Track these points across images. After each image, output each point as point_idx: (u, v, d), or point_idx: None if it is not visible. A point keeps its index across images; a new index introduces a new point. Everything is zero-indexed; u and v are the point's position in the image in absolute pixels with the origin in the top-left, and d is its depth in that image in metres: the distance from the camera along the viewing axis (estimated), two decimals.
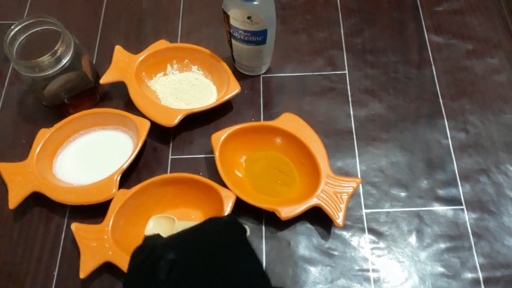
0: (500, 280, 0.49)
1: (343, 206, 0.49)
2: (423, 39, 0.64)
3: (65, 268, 0.51)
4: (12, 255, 0.52)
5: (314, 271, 0.50)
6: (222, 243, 0.32)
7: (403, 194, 0.54)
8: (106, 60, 0.62)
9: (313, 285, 0.49)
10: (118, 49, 0.59)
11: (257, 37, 0.53)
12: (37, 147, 0.53)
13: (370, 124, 0.58)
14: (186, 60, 0.61)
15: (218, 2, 0.51)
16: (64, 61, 0.51)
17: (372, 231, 0.52)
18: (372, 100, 0.60)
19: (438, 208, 0.53)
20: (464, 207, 0.53)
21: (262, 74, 0.62)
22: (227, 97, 0.56)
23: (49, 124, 0.55)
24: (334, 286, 0.49)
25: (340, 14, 0.67)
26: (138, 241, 0.50)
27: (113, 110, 0.56)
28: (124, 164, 0.52)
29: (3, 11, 0.69)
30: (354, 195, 0.53)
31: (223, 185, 0.50)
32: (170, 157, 0.57)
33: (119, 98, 0.61)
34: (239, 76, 0.61)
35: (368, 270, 0.50)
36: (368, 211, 0.53)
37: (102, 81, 0.57)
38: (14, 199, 0.51)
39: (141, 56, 0.58)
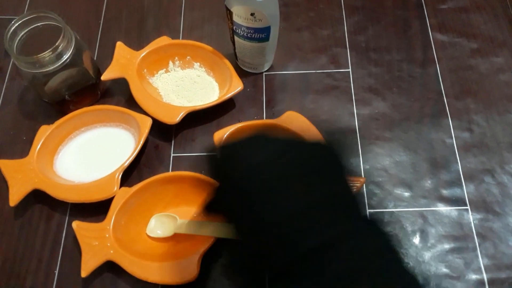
0: (505, 281, 0.49)
1: None
2: (427, 38, 0.64)
3: (66, 266, 0.50)
4: (13, 253, 0.51)
5: None
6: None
7: (407, 194, 0.53)
8: (107, 56, 0.61)
9: None
10: (120, 45, 0.58)
11: (260, 34, 0.52)
12: (37, 144, 0.53)
13: (374, 122, 0.58)
14: (188, 57, 0.60)
15: None
16: (65, 57, 0.51)
17: None
18: (376, 98, 0.59)
19: (442, 208, 0.52)
20: (468, 207, 0.52)
21: (265, 71, 0.62)
22: (229, 95, 0.55)
23: (50, 120, 0.55)
24: None
25: (343, 11, 0.66)
26: (140, 240, 0.50)
27: (114, 107, 0.56)
28: (125, 162, 0.51)
29: (4, 6, 0.68)
30: (358, 194, 0.53)
31: None
32: (172, 155, 0.56)
33: (120, 95, 0.60)
34: (242, 73, 0.60)
35: None
36: (372, 211, 0.52)
37: (103, 77, 0.56)
38: (14, 197, 0.50)
39: (143, 52, 0.58)
